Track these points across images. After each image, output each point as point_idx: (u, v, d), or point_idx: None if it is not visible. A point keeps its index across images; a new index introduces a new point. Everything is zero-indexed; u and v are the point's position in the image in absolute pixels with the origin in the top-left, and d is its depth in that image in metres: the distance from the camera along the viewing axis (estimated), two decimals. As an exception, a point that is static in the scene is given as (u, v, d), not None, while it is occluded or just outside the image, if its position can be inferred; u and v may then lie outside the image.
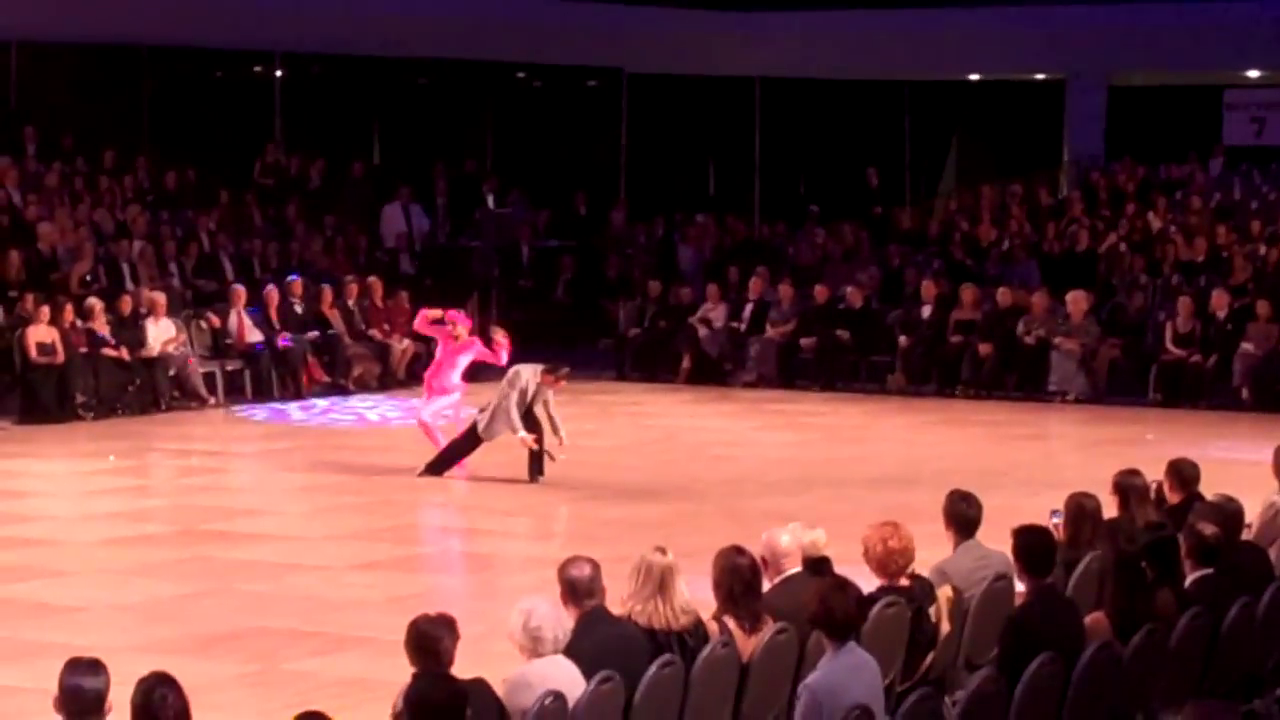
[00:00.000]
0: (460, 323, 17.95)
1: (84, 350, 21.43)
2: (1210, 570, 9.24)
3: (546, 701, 7.24)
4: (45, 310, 21.26)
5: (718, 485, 17.34)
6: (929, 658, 8.91)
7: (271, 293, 23.73)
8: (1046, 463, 19.16)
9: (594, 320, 27.00)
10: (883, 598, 8.70)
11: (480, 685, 7.27)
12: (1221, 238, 25.94)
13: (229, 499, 16.99)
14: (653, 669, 7.77)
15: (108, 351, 21.63)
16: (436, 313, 18.39)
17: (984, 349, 23.76)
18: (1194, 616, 8.77)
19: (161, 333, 22.27)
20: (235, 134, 28.91)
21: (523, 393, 16.96)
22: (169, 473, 19.13)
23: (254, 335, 23.30)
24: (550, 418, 17.12)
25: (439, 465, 17.45)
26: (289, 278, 24.34)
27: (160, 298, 22.67)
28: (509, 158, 31.39)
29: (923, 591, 8.95)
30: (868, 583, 8.75)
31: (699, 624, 8.32)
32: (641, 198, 31.40)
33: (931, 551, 9.60)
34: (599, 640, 7.85)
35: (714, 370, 25.25)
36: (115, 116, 27.92)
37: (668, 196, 31.13)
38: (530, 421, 17.01)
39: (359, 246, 27.03)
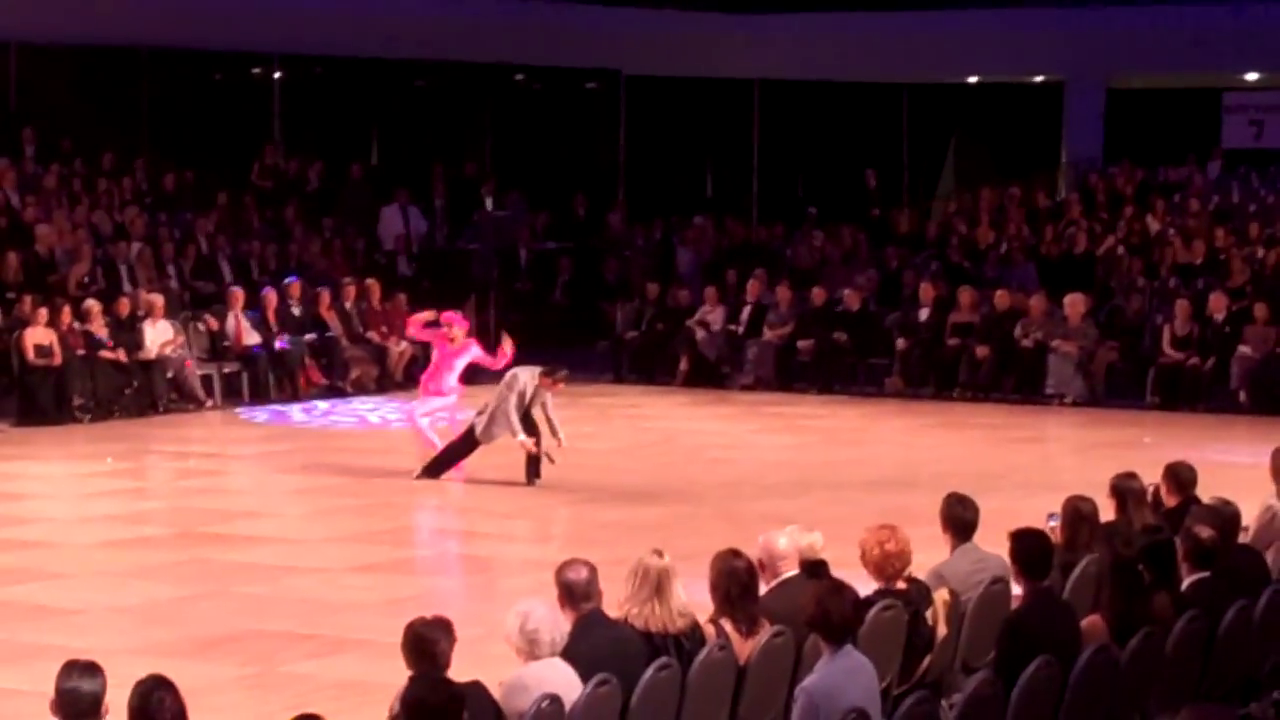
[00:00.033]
0: (456, 324, 17.94)
1: (82, 352, 21.43)
2: (1207, 573, 9.24)
3: (543, 704, 7.24)
4: (43, 312, 21.26)
5: (715, 488, 17.33)
6: (926, 661, 8.91)
7: (269, 295, 23.74)
8: (1044, 466, 19.16)
9: (592, 322, 26.98)
10: (880, 601, 8.71)
11: (477, 688, 7.28)
12: (1220, 240, 25.94)
13: (227, 501, 16.98)
14: (649, 672, 7.77)
15: (105, 353, 21.63)
16: (427, 315, 18.43)
17: (982, 351, 23.77)
18: (1191, 619, 8.78)
19: (159, 335, 22.27)
20: (233, 136, 28.90)
21: (521, 395, 16.95)
22: (166, 475, 19.14)
23: (252, 337, 23.31)
24: (549, 420, 17.12)
25: (436, 468, 17.45)
26: (287, 280, 24.34)
27: (158, 300, 22.67)
28: (507, 160, 31.39)
29: (920, 594, 8.95)
30: (865, 586, 8.75)
31: (696, 627, 8.33)
32: (640, 200, 31.41)
33: (929, 554, 9.60)
34: (596, 643, 7.86)
35: (712, 373, 25.25)
36: (114, 118, 27.91)
37: (666, 199, 31.15)
38: (528, 424, 17.01)
39: (357, 249, 27.03)
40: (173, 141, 28.13)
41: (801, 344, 24.77)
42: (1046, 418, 22.83)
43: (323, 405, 22.84)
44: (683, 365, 25.26)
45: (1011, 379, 23.77)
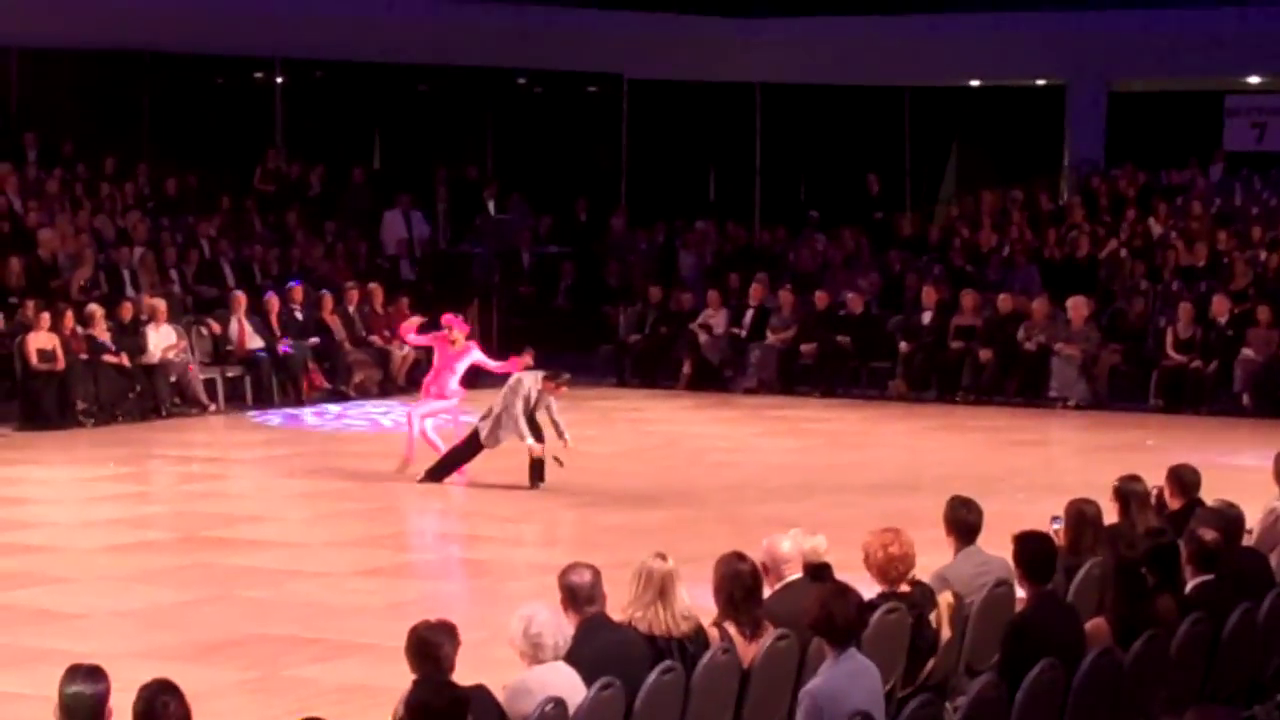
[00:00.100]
0: (457, 327, 17.94)
1: (84, 357, 21.44)
2: (1211, 576, 9.24)
3: (547, 708, 7.24)
4: (46, 317, 21.27)
5: (718, 491, 17.33)
6: (930, 664, 8.91)
7: (272, 299, 23.76)
8: (1047, 468, 19.15)
9: (594, 326, 26.98)
10: (883, 604, 8.70)
11: (481, 691, 7.27)
12: (1222, 243, 25.94)
13: (230, 505, 16.98)
14: (653, 675, 7.77)
15: (108, 358, 21.63)
16: (416, 320, 18.52)
17: (984, 355, 23.77)
18: (1195, 622, 8.77)
19: (162, 339, 22.28)
20: (236, 140, 28.91)
21: (526, 400, 16.97)
22: (170, 479, 19.14)
23: (255, 342, 23.32)
24: (554, 422, 17.14)
25: (439, 472, 17.45)
26: (289, 284, 24.36)
27: (161, 304, 22.68)
28: (509, 164, 31.38)
29: (923, 597, 8.95)
30: (868, 589, 8.75)
31: (699, 630, 8.32)
32: (642, 204, 31.40)
33: (932, 557, 9.60)
34: (599, 647, 7.86)
35: (714, 376, 25.26)
36: (116, 123, 27.92)
37: (668, 202, 31.13)
38: (533, 428, 17.02)
39: (359, 253, 27.03)
40: (175, 146, 28.13)
41: (804, 347, 24.78)
42: (1049, 421, 22.83)
43: (336, 408, 22.87)
44: (685, 369, 25.26)
45: (1014, 382, 23.77)
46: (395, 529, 15.89)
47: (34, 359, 21.02)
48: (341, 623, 12.27)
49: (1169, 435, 20.52)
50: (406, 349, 23.82)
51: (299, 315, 23.93)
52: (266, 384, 23.21)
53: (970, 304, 24.39)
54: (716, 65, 32.07)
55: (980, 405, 23.44)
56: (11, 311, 22.01)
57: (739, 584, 8.42)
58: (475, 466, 17.51)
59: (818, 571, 8.91)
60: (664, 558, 8.36)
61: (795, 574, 8.88)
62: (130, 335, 22.12)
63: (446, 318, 18.16)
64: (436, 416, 18.00)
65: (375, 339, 24.39)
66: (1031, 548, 8.81)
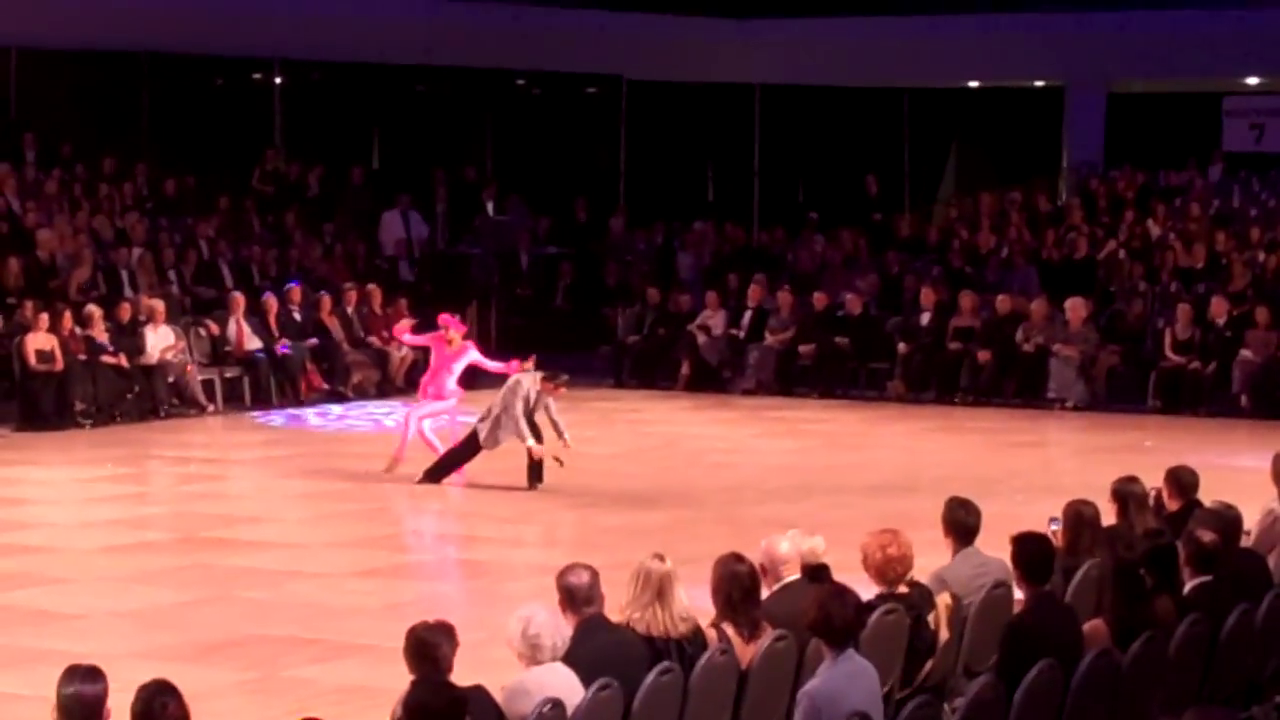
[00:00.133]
0: (453, 328, 17.93)
1: (83, 357, 21.44)
2: (1209, 577, 9.24)
3: (545, 709, 7.24)
4: (44, 317, 21.26)
5: (717, 492, 17.33)
6: (928, 665, 8.91)
7: (270, 300, 23.76)
8: (1045, 470, 19.15)
9: (593, 327, 26.98)
10: (881, 605, 8.71)
11: (479, 692, 7.28)
12: (1221, 244, 25.95)
13: (228, 506, 16.98)
14: (651, 676, 7.77)
15: (107, 359, 21.63)
16: (409, 322, 18.54)
17: (983, 356, 23.77)
18: (1193, 624, 8.77)
19: (160, 340, 22.28)
20: (234, 141, 28.90)
21: (526, 400, 16.97)
22: (168, 480, 19.13)
23: (253, 342, 23.32)
24: (553, 423, 17.14)
25: (437, 473, 17.44)
26: (288, 285, 24.36)
27: (159, 305, 22.68)
28: (508, 165, 31.38)
29: (922, 599, 8.95)
30: (866, 590, 8.75)
31: (698, 631, 8.32)
32: (641, 204, 31.39)
33: (930, 558, 9.60)
34: (597, 648, 7.86)
35: (713, 377, 25.26)
36: (114, 124, 27.92)
37: (667, 203, 31.13)
38: (532, 429, 17.02)
39: (358, 253, 27.03)
40: (173, 146, 28.13)
41: (803, 348, 24.78)
42: (1048, 422, 22.83)
43: (336, 409, 22.86)
44: (684, 370, 25.27)
45: (1013, 383, 23.77)
46: (393, 530, 15.90)
47: (32, 359, 21.02)
48: (340, 623, 12.27)
49: (1167, 436, 20.52)
50: (405, 350, 23.83)
51: (297, 316, 23.92)
52: (265, 385, 23.21)
53: (969, 305, 24.39)
54: (715, 66, 32.08)
55: (978, 406, 23.44)
56: (10, 312, 22.01)
57: (737, 585, 8.42)
58: (473, 467, 17.51)
59: (816, 572, 8.91)
60: (662, 559, 8.36)
61: (793, 575, 8.88)
62: (129, 336, 22.11)
63: (443, 318, 18.16)
64: (435, 418, 18.01)
65: (374, 340, 24.38)
66: (1030, 549, 8.82)
